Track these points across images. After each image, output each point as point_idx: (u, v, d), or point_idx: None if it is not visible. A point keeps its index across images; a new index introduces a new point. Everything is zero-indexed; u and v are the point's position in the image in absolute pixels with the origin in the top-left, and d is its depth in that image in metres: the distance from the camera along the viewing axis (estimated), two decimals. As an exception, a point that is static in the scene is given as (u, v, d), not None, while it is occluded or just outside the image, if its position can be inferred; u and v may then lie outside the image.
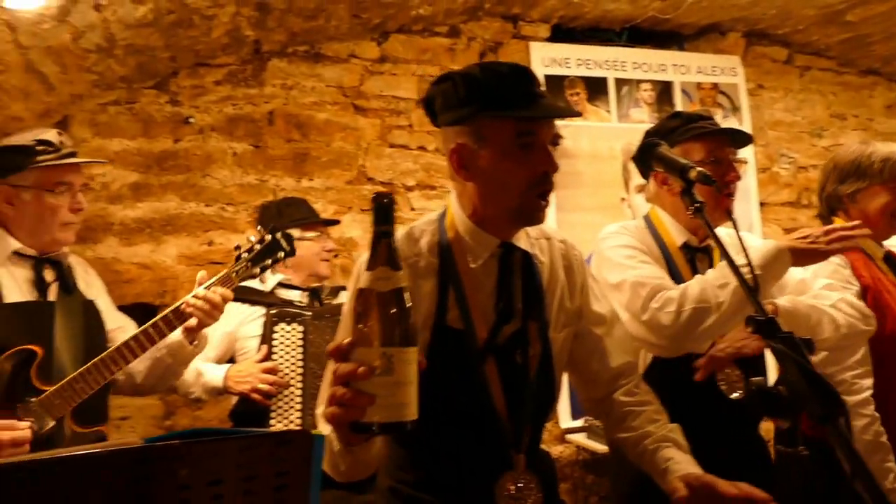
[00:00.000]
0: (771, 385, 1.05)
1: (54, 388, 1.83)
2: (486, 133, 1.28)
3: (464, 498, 1.33)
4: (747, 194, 3.79)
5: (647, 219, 1.93)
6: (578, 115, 1.35)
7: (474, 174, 1.31)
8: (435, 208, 3.34)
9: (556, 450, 3.20)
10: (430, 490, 1.35)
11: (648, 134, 1.92)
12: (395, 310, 0.93)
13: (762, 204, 3.85)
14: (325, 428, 1.11)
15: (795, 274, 1.91)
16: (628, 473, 1.84)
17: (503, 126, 1.27)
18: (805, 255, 1.65)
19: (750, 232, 3.72)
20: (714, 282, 1.63)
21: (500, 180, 1.29)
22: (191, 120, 3.06)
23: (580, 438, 3.19)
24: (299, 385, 2.33)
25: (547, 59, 3.55)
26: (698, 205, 1.40)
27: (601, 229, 1.91)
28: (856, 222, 1.78)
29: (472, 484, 1.32)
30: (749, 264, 1.47)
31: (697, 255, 1.86)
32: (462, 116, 1.29)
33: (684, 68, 3.80)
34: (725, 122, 3.80)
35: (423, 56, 3.39)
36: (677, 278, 1.78)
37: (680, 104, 3.74)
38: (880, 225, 2.05)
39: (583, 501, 3.24)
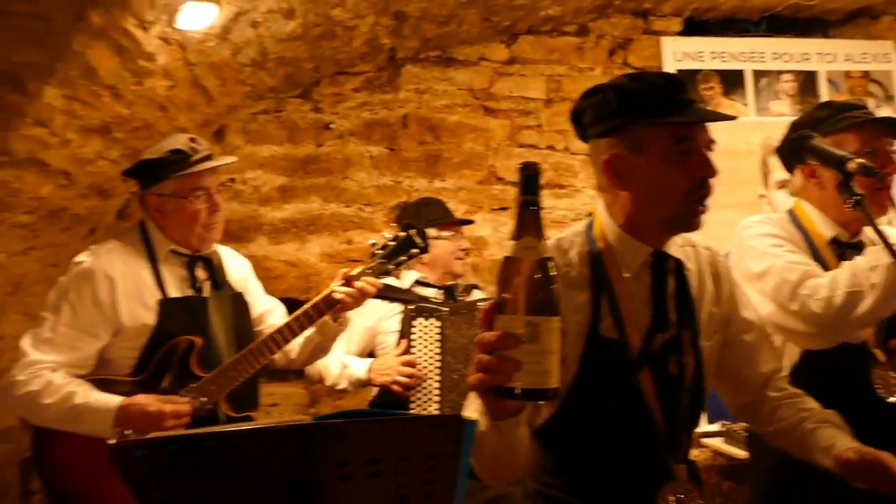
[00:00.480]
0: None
1: (210, 374, 2.02)
2: (642, 141, 1.29)
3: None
4: (902, 189, 3.53)
5: (791, 213, 1.86)
6: (734, 118, 1.33)
7: (630, 183, 1.31)
8: (563, 207, 3.36)
9: (691, 454, 3.12)
10: (581, 496, 1.35)
11: (795, 126, 1.85)
12: (540, 278, 0.94)
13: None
14: (472, 408, 1.15)
15: None
16: (766, 473, 1.82)
17: (660, 133, 1.28)
18: None
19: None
20: (864, 265, 1.57)
21: (659, 188, 1.30)
22: (331, 126, 3.25)
23: (717, 443, 3.10)
24: (437, 378, 2.43)
25: (679, 54, 3.47)
26: (858, 197, 1.35)
27: (737, 227, 1.87)
28: None
29: (629, 493, 1.32)
30: (888, 243, 1.43)
31: (848, 252, 1.76)
32: (616, 126, 1.30)
33: (830, 56, 3.59)
34: (878, 112, 3.55)
35: (551, 56, 3.41)
36: (826, 269, 1.70)
37: (826, 95, 3.54)
38: None
39: (718, 508, 3.14)
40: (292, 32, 2.58)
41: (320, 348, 2.23)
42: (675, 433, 1.34)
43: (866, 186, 1.57)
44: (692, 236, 1.47)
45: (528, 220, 0.96)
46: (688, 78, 3.44)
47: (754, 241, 1.76)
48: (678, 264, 1.39)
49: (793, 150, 1.72)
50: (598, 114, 1.33)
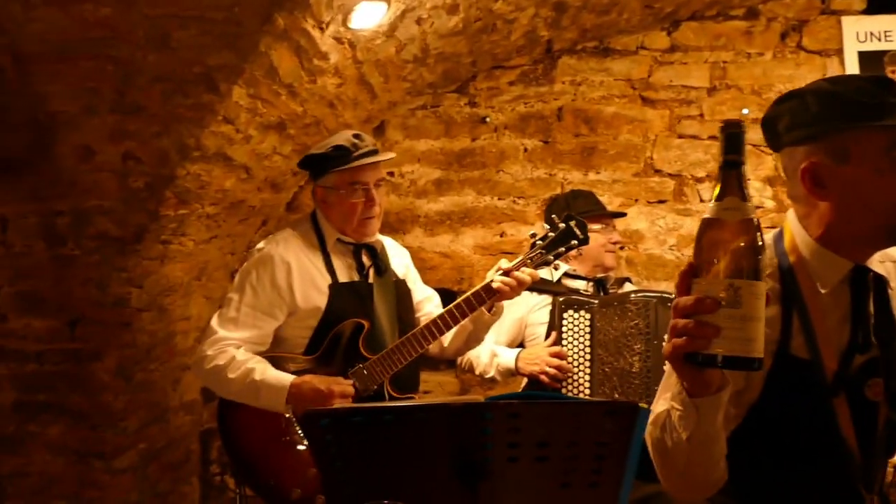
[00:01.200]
0: None
1: (377, 356, 2.12)
2: (850, 148, 1.20)
3: None
4: None
5: None
6: None
7: (832, 193, 1.22)
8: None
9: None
10: None
11: None
12: (743, 241, 0.89)
13: None
14: (665, 394, 1.10)
15: None
16: None
17: (872, 139, 1.19)
18: None
19: None
20: None
21: (869, 197, 1.21)
22: (487, 119, 3.28)
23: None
24: (587, 371, 2.39)
25: (862, 34, 3.17)
26: None
27: None
28: None
29: None
30: None
31: None
32: (818, 132, 1.22)
33: None
34: None
35: (716, 42, 3.24)
36: None
37: None
38: None
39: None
40: (454, 28, 2.63)
41: (473, 338, 2.27)
42: (870, 462, 1.24)
43: None
44: (892, 251, 1.36)
45: (731, 180, 0.92)
46: (873, 60, 3.16)
47: None
48: (880, 280, 1.28)
49: None
50: (797, 120, 1.24)
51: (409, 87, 3.10)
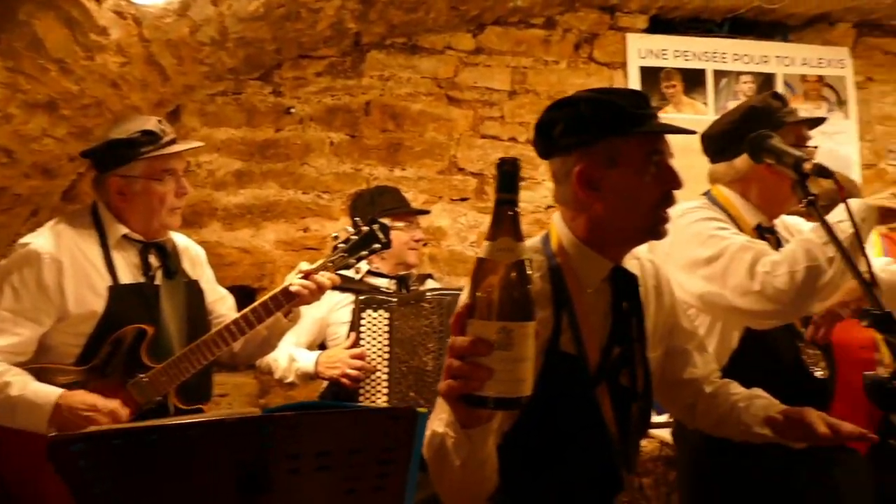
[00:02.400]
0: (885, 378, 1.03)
1: (161, 365, 1.94)
2: (618, 153, 1.29)
3: None
4: (852, 192, 3.63)
5: (711, 198, 1.87)
6: (694, 132, 1.40)
7: (603, 195, 1.31)
8: (524, 200, 3.32)
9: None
10: None
11: (754, 110, 1.86)
12: (515, 282, 0.89)
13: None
14: (439, 418, 1.13)
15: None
16: (689, 463, 1.90)
17: (636, 145, 1.29)
18: (889, 214, 1.66)
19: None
20: (818, 240, 1.60)
21: (633, 199, 1.31)
22: (292, 110, 3.17)
23: (664, 434, 3.14)
24: (385, 369, 2.40)
25: (643, 51, 3.48)
26: (812, 197, 1.39)
27: (672, 214, 1.89)
28: None
29: None
30: (851, 217, 1.50)
31: (767, 236, 1.82)
32: (590, 138, 1.30)
33: (788, 60, 3.66)
34: (831, 115, 3.64)
35: (517, 48, 3.39)
36: None
37: (782, 97, 3.60)
38: None
39: (664, 497, 3.19)
40: (255, 12, 2.49)
41: (267, 343, 2.17)
42: (628, 444, 1.36)
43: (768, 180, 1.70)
44: (637, 249, 1.48)
45: (505, 220, 0.91)
46: (651, 75, 3.48)
47: (698, 226, 1.76)
48: (633, 278, 1.41)
49: (751, 147, 1.74)
50: (572, 126, 1.31)
51: (207, 71, 2.90)
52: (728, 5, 3.49)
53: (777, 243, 1.84)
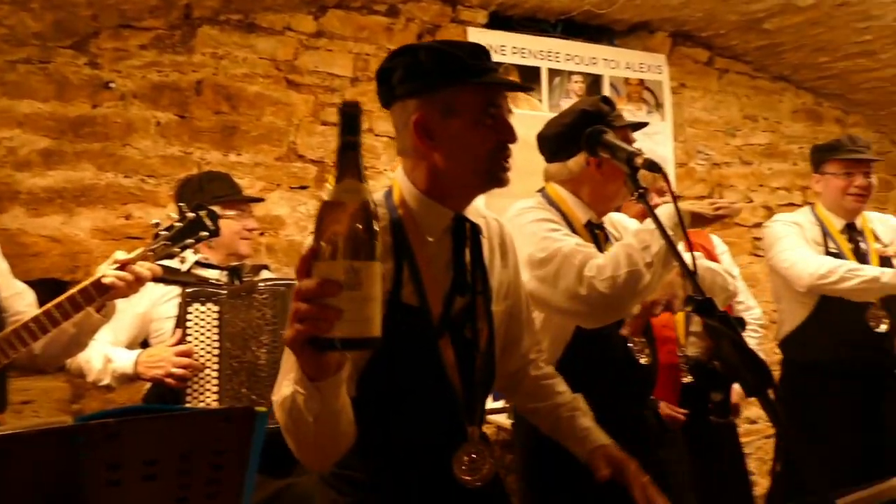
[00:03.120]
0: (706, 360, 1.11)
1: None
2: (455, 102, 1.30)
3: (419, 474, 1.35)
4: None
5: (545, 195, 1.97)
6: (531, 89, 1.47)
7: (440, 143, 1.32)
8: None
9: (480, 433, 3.25)
10: (379, 472, 1.35)
11: (586, 113, 1.95)
12: (362, 223, 0.90)
13: (678, 197, 4.01)
14: (286, 380, 1.08)
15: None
16: (526, 446, 2.01)
17: (474, 95, 1.31)
18: (700, 219, 1.84)
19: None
20: (637, 245, 1.71)
21: (469, 148, 1.32)
22: (111, 85, 2.87)
23: (500, 419, 3.25)
24: (215, 367, 2.24)
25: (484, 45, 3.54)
26: (642, 190, 1.48)
27: (509, 213, 1.95)
28: (734, 201, 1.99)
29: (428, 459, 1.35)
30: (662, 229, 1.59)
31: (597, 233, 1.95)
32: (428, 86, 1.30)
33: (614, 63, 3.90)
34: (649, 117, 3.94)
35: (360, 34, 3.32)
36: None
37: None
38: None
39: (502, 480, 3.31)
40: (64, -29, 2.22)
41: (75, 342, 1.95)
42: (471, 397, 1.38)
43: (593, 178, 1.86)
44: (483, 210, 1.53)
45: (350, 162, 0.92)
46: (490, 70, 3.55)
47: (532, 226, 1.83)
48: (475, 229, 1.42)
49: (587, 141, 1.83)
50: (411, 73, 1.31)
51: (6, 34, 2.55)
52: (561, 7, 3.65)
53: (605, 238, 1.96)
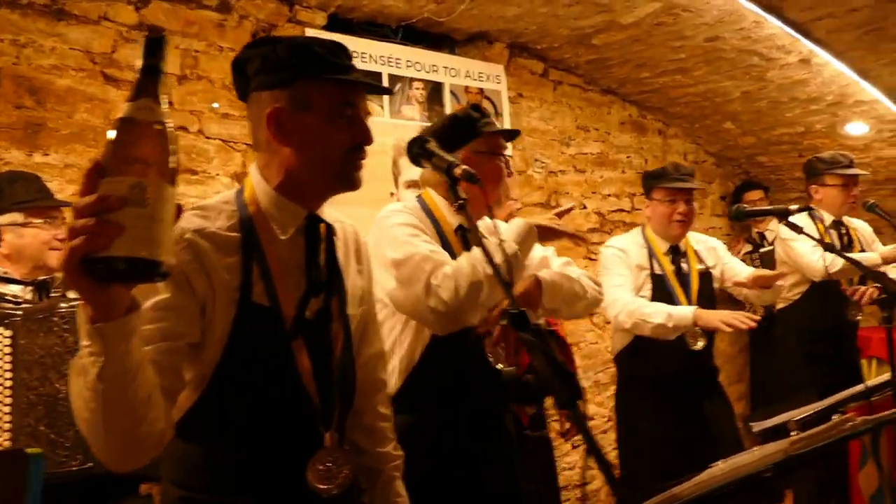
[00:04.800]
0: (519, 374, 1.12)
1: None
2: (311, 97, 1.28)
3: (273, 483, 1.28)
4: (506, 195, 4.06)
5: (421, 200, 2.04)
6: (390, 92, 1.51)
7: (293, 139, 1.29)
8: (196, 195, 3.10)
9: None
10: (233, 487, 1.26)
11: (457, 119, 2.04)
12: (154, 140, 0.87)
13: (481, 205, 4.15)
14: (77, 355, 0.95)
15: (538, 252, 2.18)
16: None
17: (330, 92, 1.29)
18: (548, 233, 1.92)
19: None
20: (481, 258, 1.76)
21: (323, 144, 1.30)
22: None
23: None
24: (7, 399, 1.99)
25: (344, 45, 3.46)
26: (462, 201, 1.50)
27: (370, 223, 1.97)
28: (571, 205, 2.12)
29: (282, 467, 1.28)
30: (501, 241, 1.75)
31: (469, 237, 1.99)
32: (284, 79, 1.28)
33: (454, 71, 3.96)
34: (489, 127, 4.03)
35: (188, 29, 3.12)
36: (453, 256, 1.90)
37: (448, 105, 3.89)
38: None
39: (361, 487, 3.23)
40: None
41: None
42: (328, 402, 1.33)
43: (470, 190, 1.77)
44: (338, 213, 1.50)
45: (149, 84, 0.90)
46: (330, 73, 3.47)
47: (395, 229, 1.88)
48: (329, 230, 1.40)
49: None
50: (267, 65, 1.29)
51: None
52: (401, 13, 3.65)
53: (479, 243, 1.97)
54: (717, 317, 2.69)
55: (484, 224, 2.08)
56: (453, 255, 1.90)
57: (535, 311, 2.00)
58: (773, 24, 3.51)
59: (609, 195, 4.64)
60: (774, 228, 4.35)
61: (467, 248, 1.95)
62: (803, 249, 3.42)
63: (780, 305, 3.82)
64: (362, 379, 1.51)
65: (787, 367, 3.72)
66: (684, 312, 2.76)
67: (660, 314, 2.77)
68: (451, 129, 1.98)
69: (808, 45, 3.66)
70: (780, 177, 5.24)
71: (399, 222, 1.90)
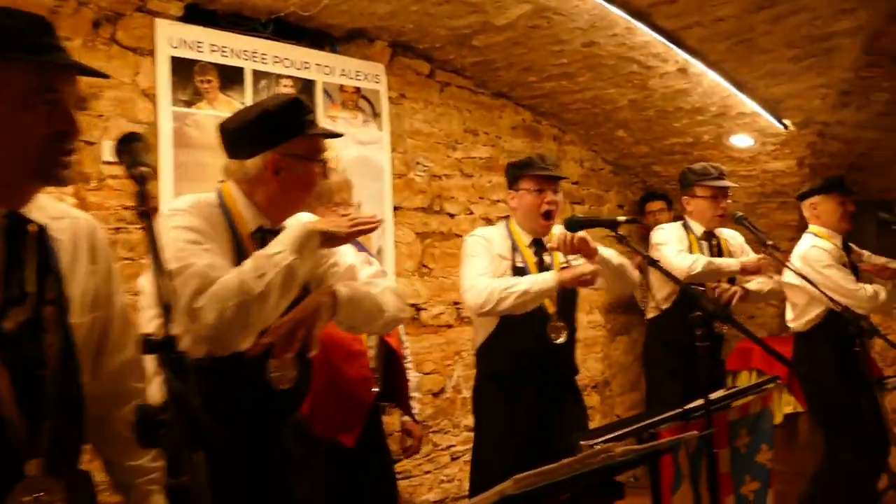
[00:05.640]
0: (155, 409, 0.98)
1: None
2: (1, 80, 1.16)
3: None
4: (382, 198, 3.94)
5: (219, 195, 1.85)
6: (102, 75, 1.38)
7: None
8: None
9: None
10: None
11: (268, 114, 1.86)
12: None
13: (396, 208, 4.03)
14: None
15: (346, 259, 2.04)
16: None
17: (23, 76, 1.17)
18: (332, 239, 1.78)
19: (383, 234, 3.89)
20: (252, 273, 1.64)
21: (12, 133, 1.18)
22: None
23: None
24: None
25: (175, 40, 3.28)
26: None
27: (162, 210, 1.82)
28: (374, 215, 1.97)
29: None
30: (276, 253, 1.65)
31: (269, 237, 1.82)
32: None
33: (328, 69, 3.81)
34: (365, 126, 3.91)
35: (14, 14, 2.91)
36: (244, 260, 1.74)
37: (321, 104, 3.75)
38: None
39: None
40: None
41: None
42: (35, 423, 1.18)
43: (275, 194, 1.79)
44: (73, 210, 1.38)
45: None
46: (184, 67, 3.30)
47: (175, 232, 1.70)
48: (41, 231, 1.25)
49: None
50: None
51: None
52: (267, 6, 3.49)
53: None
54: (577, 271, 2.70)
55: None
56: (245, 257, 1.74)
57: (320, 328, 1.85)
58: (646, 31, 3.45)
59: (498, 201, 4.55)
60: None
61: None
62: (669, 252, 3.44)
63: (649, 315, 3.79)
64: (109, 390, 1.39)
65: (655, 379, 3.68)
66: (546, 276, 2.74)
67: (522, 282, 2.73)
68: (259, 126, 1.81)
69: (682, 54, 3.62)
70: (676, 187, 5.24)
71: (179, 225, 1.71)
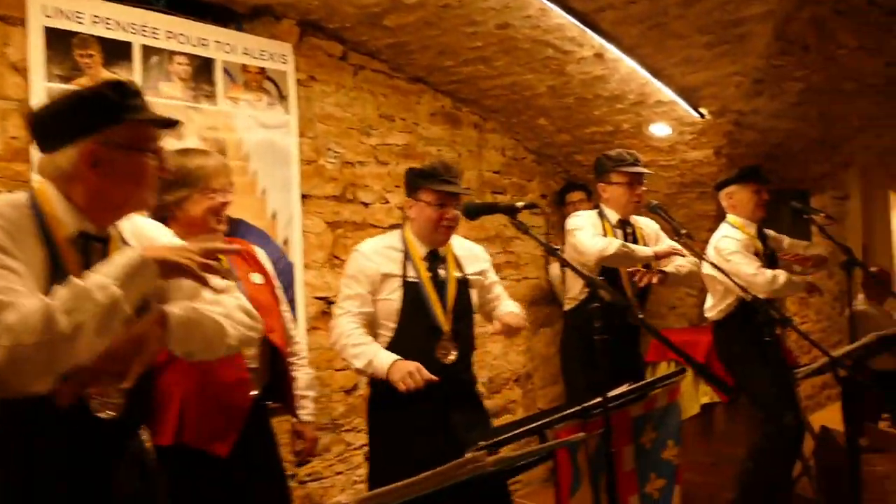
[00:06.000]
0: None
1: None
2: None
3: None
4: (289, 185, 3.72)
5: (32, 196, 1.59)
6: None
7: None
8: None
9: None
10: None
11: (84, 100, 1.62)
12: None
13: (305, 196, 3.82)
14: None
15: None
16: None
17: None
18: (175, 269, 1.55)
19: (290, 224, 3.69)
20: (63, 307, 1.40)
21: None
22: None
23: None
24: None
25: (51, 9, 2.99)
26: None
27: None
28: (234, 245, 1.82)
29: None
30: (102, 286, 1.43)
31: (92, 245, 1.61)
32: None
33: (229, 47, 3.56)
34: (270, 109, 3.68)
35: None
36: (61, 272, 1.51)
37: (221, 84, 3.50)
38: (206, 227, 2.28)
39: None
40: None
41: None
42: None
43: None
44: None
45: None
46: (61, 39, 3.01)
47: None
48: None
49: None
50: None
51: None
52: (157, -23, 3.23)
53: (104, 255, 1.61)
54: (400, 373, 2.56)
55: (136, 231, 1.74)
56: (64, 270, 1.51)
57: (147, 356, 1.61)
58: (560, 13, 3.34)
59: (415, 189, 4.38)
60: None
61: (87, 260, 1.57)
62: (582, 236, 3.40)
63: (567, 307, 3.70)
64: None
65: (571, 371, 3.60)
66: (383, 363, 2.63)
67: (362, 358, 2.68)
68: (71, 112, 1.58)
69: (597, 38, 3.52)
70: (598, 176, 5.18)
71: None
